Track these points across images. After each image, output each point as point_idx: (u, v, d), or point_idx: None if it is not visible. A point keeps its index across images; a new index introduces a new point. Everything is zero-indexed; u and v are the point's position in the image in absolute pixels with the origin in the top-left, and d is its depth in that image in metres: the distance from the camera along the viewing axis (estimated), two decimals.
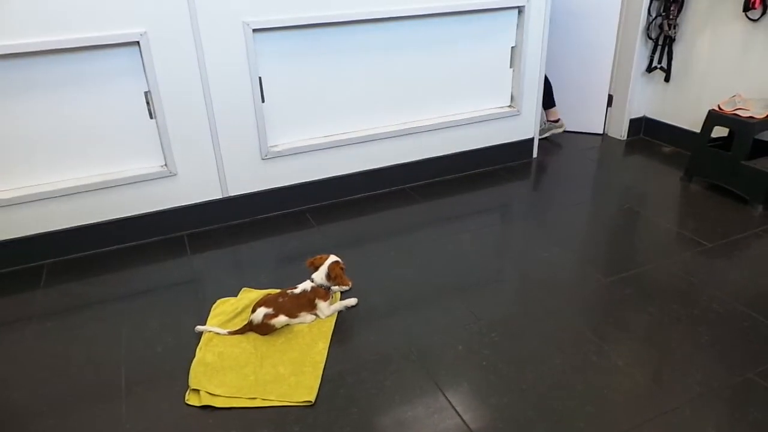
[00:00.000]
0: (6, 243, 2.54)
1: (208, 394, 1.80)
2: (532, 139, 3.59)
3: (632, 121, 3.90)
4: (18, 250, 2.58)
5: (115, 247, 2.74)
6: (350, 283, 2.19)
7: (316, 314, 2.15)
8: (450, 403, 1.75)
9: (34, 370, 1.97)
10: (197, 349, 2.00)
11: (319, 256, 2.20)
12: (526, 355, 1.95)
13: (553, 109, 3.77)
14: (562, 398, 1.75)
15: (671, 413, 1.68)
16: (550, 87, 3.69)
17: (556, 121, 3.75)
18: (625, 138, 3.92)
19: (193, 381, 1.85)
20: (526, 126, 3.53)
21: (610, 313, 2.16)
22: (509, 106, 3.44)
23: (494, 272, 2.48)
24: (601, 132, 4.02)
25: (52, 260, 2.64)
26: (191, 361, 1.93)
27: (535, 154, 3.66)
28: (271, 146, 2.88)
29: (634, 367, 1.88)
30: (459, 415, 1.70)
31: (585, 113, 3.95)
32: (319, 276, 2.14)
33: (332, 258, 2.18)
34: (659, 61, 3.67)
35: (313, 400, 1.77)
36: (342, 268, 2.16)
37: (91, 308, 2.31)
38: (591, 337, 2.02)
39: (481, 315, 2.15)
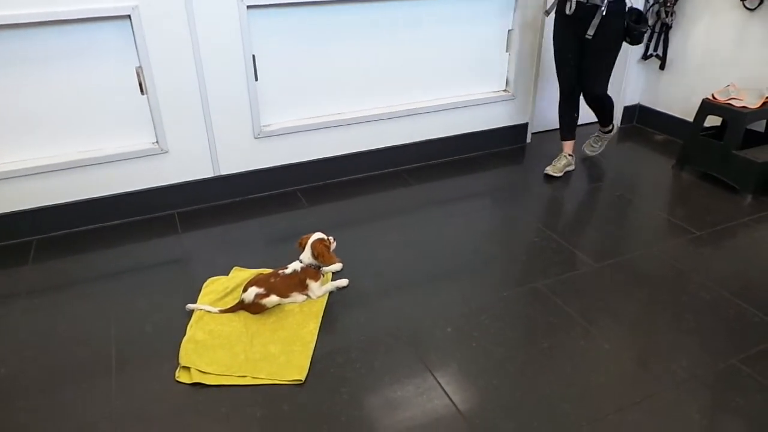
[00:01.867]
0: None
1: (198, 372, 1.80)
2: (526, 124, 3.59)
3: (626, 109, 3.90)
4: (6, 225, 2.55)
5: (105, 224, 2.71)
6: (336, 260, 2.17)
7: (307, 294, 2.15)
8: (439, 384, 1.77)
9: (21, 346, 1.96)
10: (188, 327, 1.99)
11: (305, 236, 2.19)
12: (515, 338, 1.96)
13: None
14: (550, 381, 1.78)
15: (656, 397, 1.71)
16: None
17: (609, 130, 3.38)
18: (618, 125, 3.92)
19: (184, 358, 1.85)
20: (521, 111, 3.52)
21: (599, 298, 2.18)
22: (504, 90, 3.43)
23: (485, 256, 2.49)
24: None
25: (40, 236, 2.62)
26: (181, 339, 1.93)
27: (528, 139, 3.66)
28: (264, 125, 2.86)
29: (621, 351, 1.90)
30: (448, 396, 1.72)
31: (583, 102, 3.91)
32: (306, 256, 2.14)
33: (315, 236, 2.16)
34: (655, 49, 3.66)
35: (303, 380, 1.78)
36: (326, 246, 2.15)
37: (80, 285, 2.30)
38: (579, 321, 2.04)
39: (471, 298, 2.16)
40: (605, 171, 3.37)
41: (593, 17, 2.69)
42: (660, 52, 3.64)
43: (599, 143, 3.43)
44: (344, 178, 3.15)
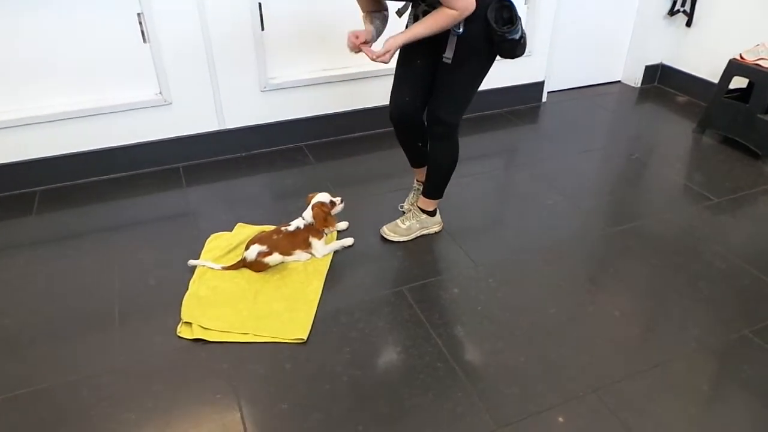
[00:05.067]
0: None
1: (200, 328, 1.79)
2: (542, 83, 3.46)
3: (647, 68, 3.74)
4: (10, 175, 2.52)
5: (109, 176, 2.68)
6: (334, 226, 2.13)
7: (311, 253, 2.11)
8: (442, 346, 1.74)
9: (25, 297, 1.96)
10: (190, 283, 1.97)
11: (312, 194, 2.14)
12: (521, 302, 1.93)
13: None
14: (556, 346, 1.75)
15: (665, 365, 1.67)
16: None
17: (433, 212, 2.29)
18: (639, 86, 3.78)
19: (186, 314, 1.83)
20: (537, 68, 3.39)
21: (610, 264, 2.13)
22: None
23: (496, 218, 2.43)
24: (617, 80, 3.87)
25: (44, 187, 2.59)
26: (184, 294, 1.92)
27: (544, 99, 3.54)
28: (271, 78, 2.76)
29: (631, 318, 1.86)
30: (450, 359, 1.69)
31: (602, 60, 3.77)
32: (308, 214, 2.09)
33: (318, 198, 2.11)
34: (682, 4, 3.48)
35: (305, 338, 1.76)
36: (325, 211, 2.08)
37: (83, 237, 2.28)
38: (589, 286, 2.00)
39: (478, 260, 2.12)
40: (622, 133, 3.26)
41: (446, 35, 1.83)
42: (687, 7, 3.45)
43: (407, 223, 2.24)
44: (352, 135, 3.07)
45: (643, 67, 3.72)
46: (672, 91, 3.72)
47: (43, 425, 1.51)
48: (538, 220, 2.39)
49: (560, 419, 1.51)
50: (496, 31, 1.79)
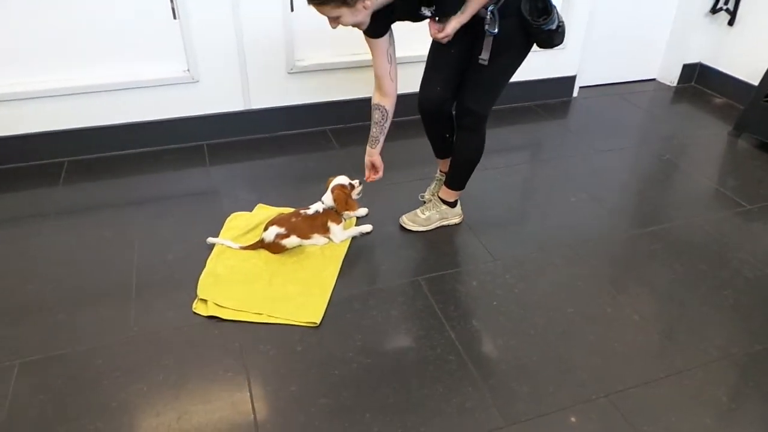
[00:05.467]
0: (29, 136, 2.53)
1: (215, 305, 1.80)
2: (574, 77, 3.38)
3: (685, 67, 3.62)
4: (39, 145, 2.56)
5: (135, 150, 2.71)
6: (354, 209, 2.12)
7: (329, 237, 2.11)
8: (455, 339, 1.72)
9: (48, 266, 1.99)
10: (208, 260, 1.99)
11: (332, 177, 2.13)
12: (538, 299, 1.89)
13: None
14: (570, 347, 1.71)
15: (683, 374, 1.63)
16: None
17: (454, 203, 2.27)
18: (675, 85, 3.66)
19: (202, 291, 1.85)
20: (570, 62, 3.31)
21: (633, 267, 2.08)
22: None
23: (517, 213, 2.39)
24: (652, 77, 3.76)
25: (72, 158, 2.63)
26: (201, 271, 1.93)
27: (575, 93, 3.45)
28: (298, 60, 2.75)
29: (651, 323, 1.82)
30: (463, 353, 1.68)
31: (638, 56, 3.66)
32: (328, 198, 2.09)
33: (338, 180, 2.10)
34: (726, 2, 3.35)
35: (318, 322, 1.76)
36: (346, 193, 2.07)
37: (106, 210, 2.31)
38: (609, 289, 1.95)
39: (498, 255, 2.09)
40: (655, 132, 3.17)
41: (483, 30, 1.77)
42: (731, 5, 3.33)
43: (427, 213, 2.22)
44: None
45: (681, 66, 3.60)
46: (709, 91, 3.60)
47: (58, 391, 1.54)
48: (561, 217, 2.34)
49: (572, 419, 1.49)
50: (532, 24, 1.75)
